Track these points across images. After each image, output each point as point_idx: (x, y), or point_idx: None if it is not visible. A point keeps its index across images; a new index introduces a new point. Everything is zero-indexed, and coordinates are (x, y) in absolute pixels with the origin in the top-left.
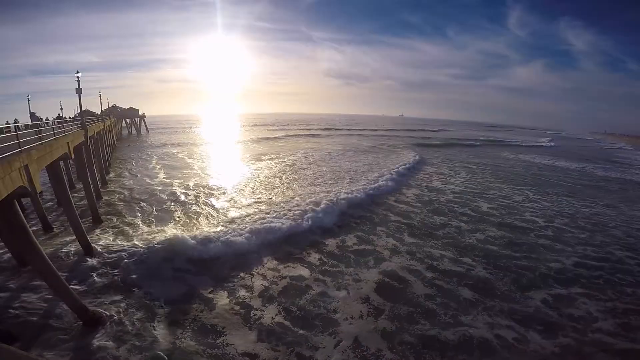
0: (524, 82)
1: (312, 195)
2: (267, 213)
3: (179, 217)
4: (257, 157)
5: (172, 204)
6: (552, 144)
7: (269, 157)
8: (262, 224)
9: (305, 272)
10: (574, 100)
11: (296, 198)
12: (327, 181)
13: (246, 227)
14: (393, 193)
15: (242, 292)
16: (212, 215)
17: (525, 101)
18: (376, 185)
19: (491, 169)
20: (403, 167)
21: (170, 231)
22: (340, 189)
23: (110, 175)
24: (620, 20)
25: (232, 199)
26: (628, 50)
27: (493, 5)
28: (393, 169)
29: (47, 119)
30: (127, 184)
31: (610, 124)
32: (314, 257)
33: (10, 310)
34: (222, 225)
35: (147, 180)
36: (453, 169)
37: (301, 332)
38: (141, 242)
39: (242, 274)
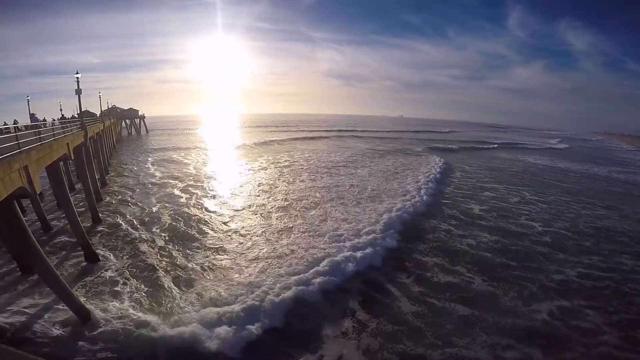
0: (524, 82)
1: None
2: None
3: (171, 232)
4: (261, 166)
5: (168, 213)
6: (565, 145)
7: (275, 167)
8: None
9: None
10: (574, 100)
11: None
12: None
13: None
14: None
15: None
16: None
17: (525, 102)
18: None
19: (531, 178)
20: (435, 174)
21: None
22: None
23: (111, 174)
24: (620, 20)
25: (231, 221)
26: (628, 51)
27: (493, 6)
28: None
29: (44, 119)
30: (126, 185)
31: (610, 124)
32: None
33: (11, 311)
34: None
35: (147, 184)
36: (490, 178)
37: (284, 349)
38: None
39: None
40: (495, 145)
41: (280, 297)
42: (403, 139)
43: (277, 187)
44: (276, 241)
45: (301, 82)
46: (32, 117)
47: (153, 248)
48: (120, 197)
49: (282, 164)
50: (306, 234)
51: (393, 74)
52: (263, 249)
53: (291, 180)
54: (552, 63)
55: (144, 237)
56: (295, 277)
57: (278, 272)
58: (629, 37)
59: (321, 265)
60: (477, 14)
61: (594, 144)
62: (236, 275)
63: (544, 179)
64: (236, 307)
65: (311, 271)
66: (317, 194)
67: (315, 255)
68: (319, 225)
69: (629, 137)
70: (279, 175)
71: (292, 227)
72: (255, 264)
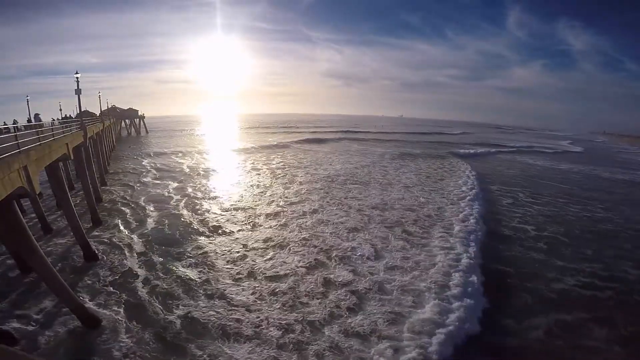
0: (523, 82)
1: None
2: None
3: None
4: (270, 176)
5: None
6: (579, 148)
7: (286, 177)
8: None
9: None
10: (573, 100)
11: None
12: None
13: None
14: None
15: None
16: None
17: (525, 102)
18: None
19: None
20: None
21: None
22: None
23: (110, 173)
24: (618, 21)
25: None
26: (626, 51)
27: (492, 6)
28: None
29: (37, 119)
30: (126, 184)
31: (609, 124)
32: None
33: (11, 312)
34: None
35: (146, 184)
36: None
37: None
38: None
39: None
40: (514, 149)
41: None
42: (418, 142)
43: (294, 206)
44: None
45: (300, 82)
46: (36, 117)
47: (148, 250)
48: (120, 196)
49: (294, 173)
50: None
51: (392, 74)
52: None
53: (307, 195)
54: (551, 63)
55: (143, 238)
56: None
57: None
58: (628, 37)
59: None
60: (476, 14)
61: (599, 144)
62: None
63: (607, 191)
64: None
65: None
66: (354, 221)
67: None
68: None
69: (629, 137)
70: (295, 190)
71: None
72: None
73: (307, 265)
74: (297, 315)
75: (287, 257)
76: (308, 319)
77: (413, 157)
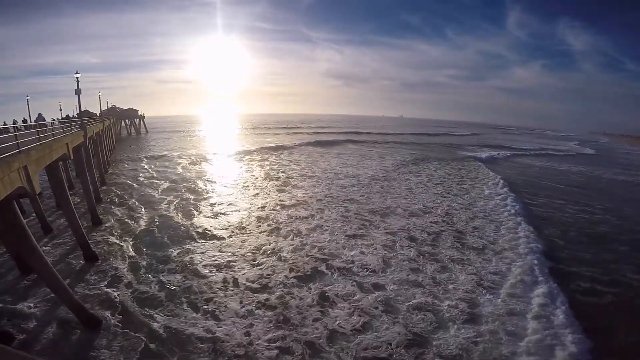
0: (523, 82)
1: None
2: None
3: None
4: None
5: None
6: (592, 151)
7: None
8: None
9: None
10: (573, 100)
11: None
12: None
13: None
14: None
15: None
16: None
17: (525, 102)
18: None
19: None
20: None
21: None
22: None
23: (110, 173)
24: (618, 21)
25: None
26: (626, 52)
27: (492, 6)
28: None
29: (41, 119)
30: (126, 184)
31: (609, 124)
32: None
33: (11, 312)
34: None
35: (147, 183)
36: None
37: None
38: None
39: None
40: (529, 152)
41: None
42: (427, 145)
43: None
44: None
45: (301, 82)
46: (39, 116)
47: (148, 251)
48: (119, 196)
49: (291, 175)
50: None
51: (392, 74)
52: None
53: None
54: (551, 63)
55: (143, 238)
56: None
57: None
58: (628, 37)
59: None
60: (476, 14)
61: (605, 145)
62: None
63: None
64: None
65: None
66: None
67: None
68: None
69: (629, 137)
70: (294, 194)
71: None
72: None
73: (303, 275)
74: (292, 333)
75: (280, 266)
76: (305, 338)
77: (430, 162)
